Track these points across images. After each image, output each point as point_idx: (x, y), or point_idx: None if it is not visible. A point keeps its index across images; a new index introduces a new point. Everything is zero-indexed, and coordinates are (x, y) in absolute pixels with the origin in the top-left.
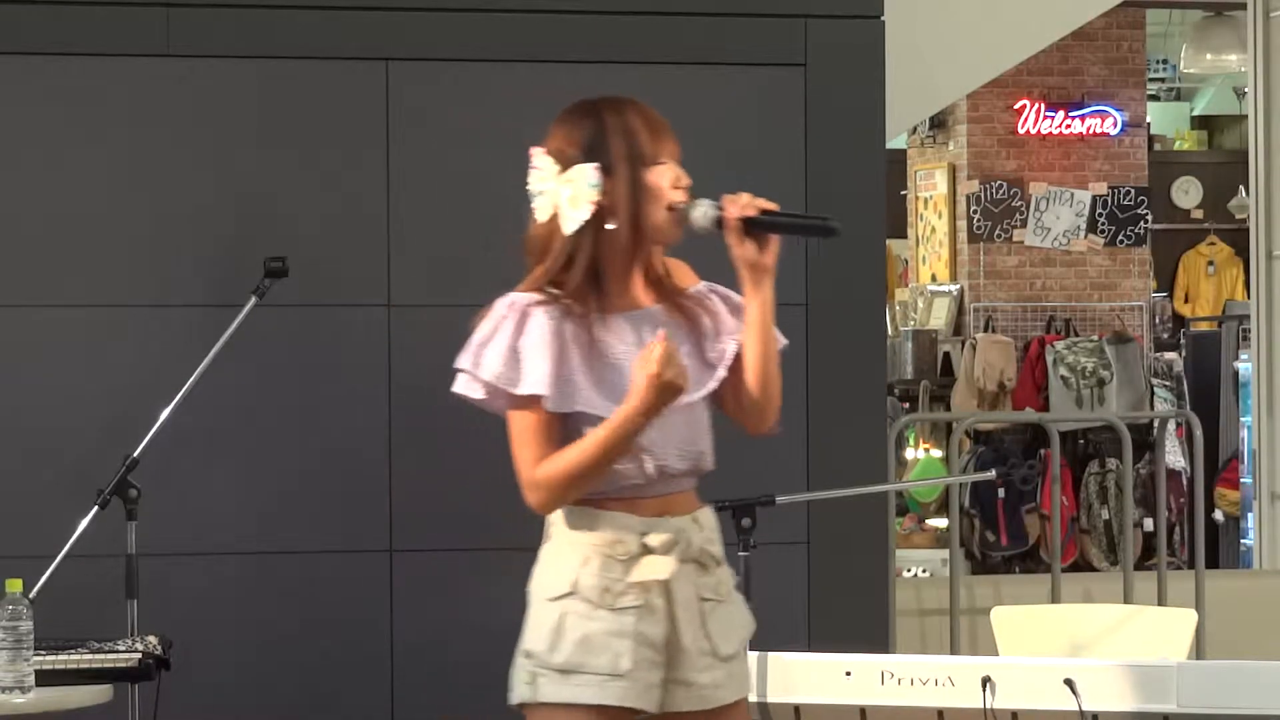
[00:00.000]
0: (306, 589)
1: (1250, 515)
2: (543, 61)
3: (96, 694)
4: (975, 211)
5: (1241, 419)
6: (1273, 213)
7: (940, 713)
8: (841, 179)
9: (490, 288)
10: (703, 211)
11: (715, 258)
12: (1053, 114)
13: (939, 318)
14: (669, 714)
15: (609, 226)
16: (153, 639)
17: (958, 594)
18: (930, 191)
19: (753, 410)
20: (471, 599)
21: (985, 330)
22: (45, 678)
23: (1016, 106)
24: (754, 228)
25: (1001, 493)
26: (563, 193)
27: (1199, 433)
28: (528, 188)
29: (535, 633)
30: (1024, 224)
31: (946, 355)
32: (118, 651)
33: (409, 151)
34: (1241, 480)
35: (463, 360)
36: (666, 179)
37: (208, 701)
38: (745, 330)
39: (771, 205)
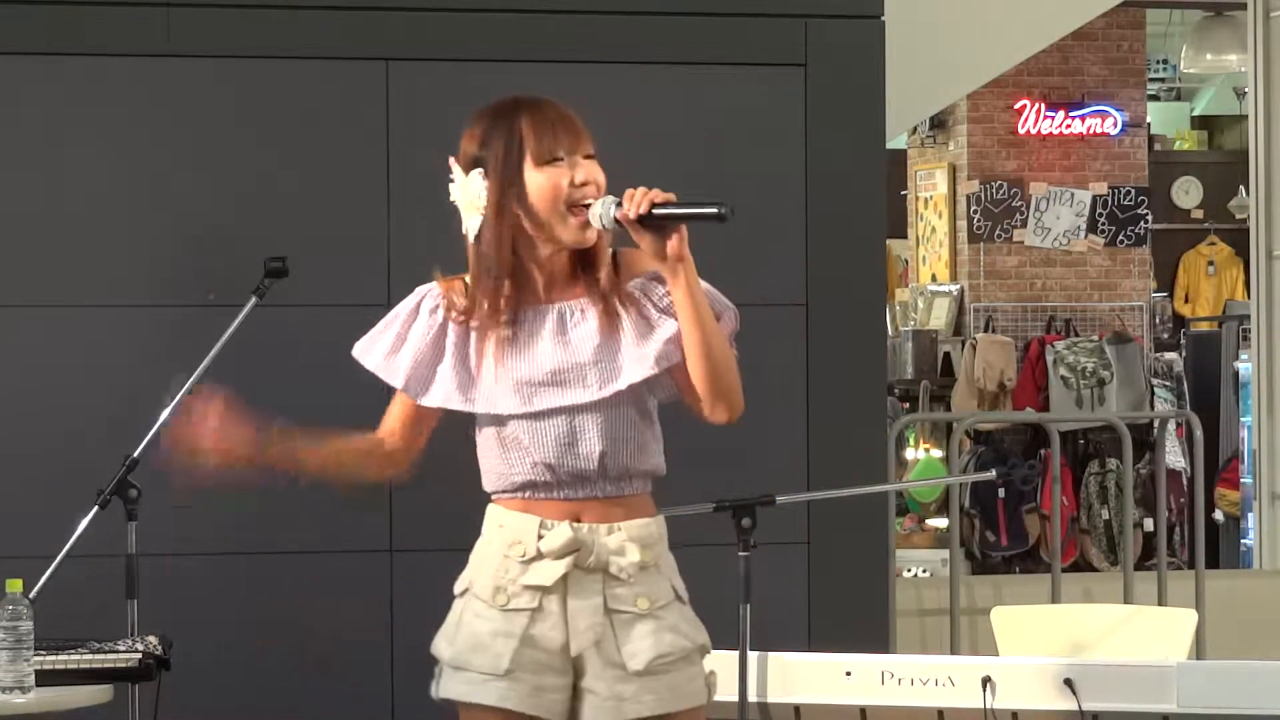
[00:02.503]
0: (306, 589)
1: (1250, 515)
2: (543, 61)
3: (96, 694)
4: (975, 211)
5: (1241, 419)
6: (1273, 213)
7: (940, 713)
8: (841, 179)
9: None
10: (599, 213)
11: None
12: (1053, 114)
13: (939, 318)
14: None
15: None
16: (153, 639)
17: (958, 594)
18: (930, 191)
19: (706, 399)
20: None
21: (985, 330)
22: (45, 678)
23: (1016, 106)
24: (649, 224)
25: (1001, 493)
26: (460, 199)
27: (1199, 433)
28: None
29: (443, 627)
30: (1024, 224)
31: (946, 355)
32: (118, 651)
33: (409, 151)
34: (1241, 480)
35: (361, 342)
36: (566, 179)
37: (208, 701)
38: (680, 323)
39: (668, 196)
